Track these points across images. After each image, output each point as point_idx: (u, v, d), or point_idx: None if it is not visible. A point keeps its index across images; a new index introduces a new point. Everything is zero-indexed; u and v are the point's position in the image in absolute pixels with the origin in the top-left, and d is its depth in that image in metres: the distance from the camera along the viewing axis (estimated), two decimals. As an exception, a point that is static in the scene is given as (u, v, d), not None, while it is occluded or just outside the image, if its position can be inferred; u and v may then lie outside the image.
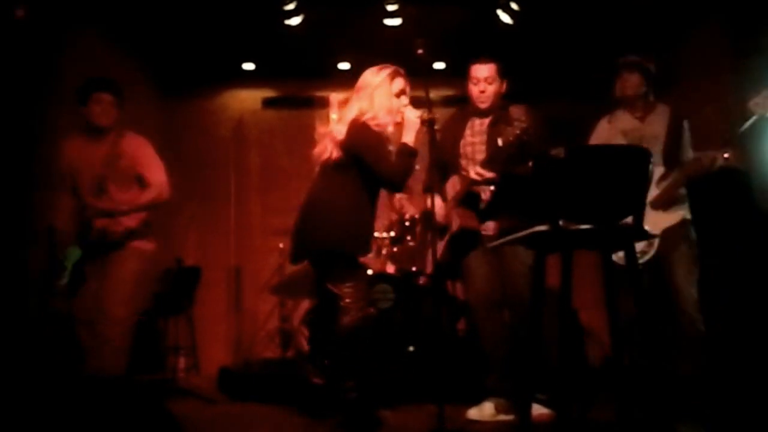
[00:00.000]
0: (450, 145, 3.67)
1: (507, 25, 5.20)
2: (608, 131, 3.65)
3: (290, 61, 5.87)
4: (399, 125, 3.27)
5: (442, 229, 3.67)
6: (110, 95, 3.68)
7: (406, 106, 3.27)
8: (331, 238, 3.22)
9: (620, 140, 3.56)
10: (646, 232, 2.76)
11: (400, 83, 3.29)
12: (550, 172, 2.66)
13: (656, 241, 3.41)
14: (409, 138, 3.21)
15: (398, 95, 3.28)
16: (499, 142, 3.33)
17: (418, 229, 5.17)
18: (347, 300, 3.22)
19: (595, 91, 5.84)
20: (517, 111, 3.37)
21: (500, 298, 3.61)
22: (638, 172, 2.66)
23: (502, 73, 3.65)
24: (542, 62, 5.72)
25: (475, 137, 3.65)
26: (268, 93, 6.68)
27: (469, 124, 3.69)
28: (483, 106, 3.62)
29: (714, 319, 3.56)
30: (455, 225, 3.61)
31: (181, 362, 5.69)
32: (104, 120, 3.66)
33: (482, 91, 3.60)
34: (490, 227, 3.59)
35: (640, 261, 3.35)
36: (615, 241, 2.80)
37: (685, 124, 3.53)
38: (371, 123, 3.20)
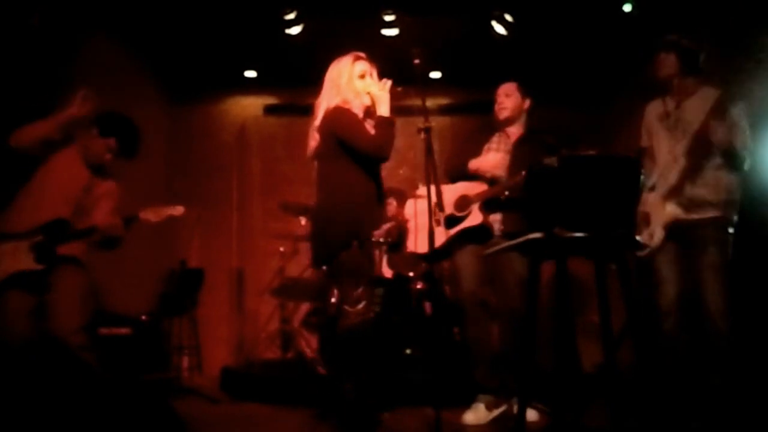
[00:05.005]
0: (471, 152, 3.85)
1: (502, 35, 5.32)
2: (649, 117, 3.57)
3: (291, 69, 5.94)
4: (370, 106, 3.34)
5: (451, 219, 3.79)
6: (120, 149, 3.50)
7: (371, 85, 3.34)
8: (341, 231, 3.24)
9: (656, 126, 3.49)
10: (637, 241, 2.83)
11: (361, 66, 3.37)
12: (543, 180, 2.73)
13: (656, 234, 3.35)
14: (383, 110, 3.27)
15: (362, 77, 3.35)
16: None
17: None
18: (349, 304, 3.27)
19: (590, 99, 6.01)
20: (550, 138, 3.51)
21: (488, 296, 3.73)
22: (629, 181, 2.71)
23: (523, 91, 3.87)
24: (537, 71, 5.82)
25: (500, 146, 3.84)
26: (270, 100, 6.80)
27: (496, 133, 3.89)
28: (501, 115, 3.84)
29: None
30: (476, 220, 3.72)
31: (185, 362, 5.77)
32: (101, 160, 3.51)
33: (501, 103, 3.84)
34: (498, 229, 3.72)
35: (644, 253, 3.37)
36: (607, 248, 2.81)
37: (737, 109, 3.25)
38: (345, 106, 3.31)
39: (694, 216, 3.32)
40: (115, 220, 3.38)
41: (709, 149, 3.27)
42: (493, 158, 3.77)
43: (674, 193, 3.35)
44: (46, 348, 3.26)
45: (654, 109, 3.55)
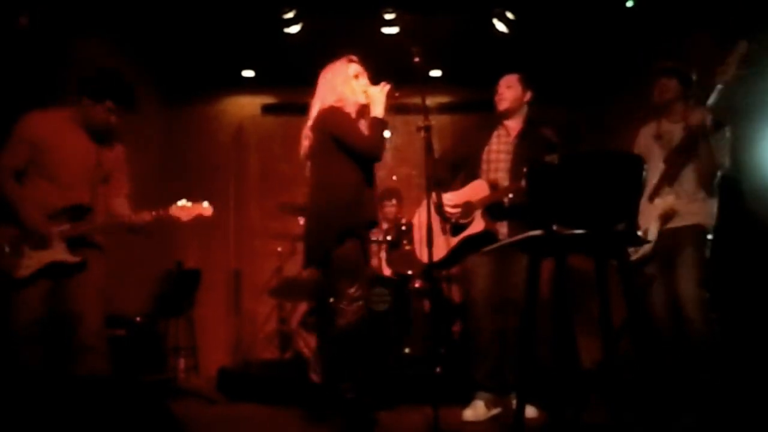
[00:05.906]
0: (474, 148, 3.85)
1: (503, 33, 5.30)
2: (644, 138, 3.69)
3: (289, 68, 5.87)
4: (366, 105, 3.42)
5: (456, 227, 3.76)
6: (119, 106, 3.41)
7: (366, 85, 3.44)
8: (333, 230, 3.29)
9: (653, 145, 3.59)
10: (638, 237, 2.81)
11: (355, 68, 3.46)
12: (544, 178, 2.73)
13: (651, 229, 3.44)
14: (378, 111, 3.35)
15: (356, 77, 3.44)
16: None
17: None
18: (345, 302, 3.32)
19: (590, 97, 6.00)
20: (548, 131, 3.49)
21: (499, 297, 3.71)
22: (631, 179, 2.71)
23: (525, 84, 3.86)
24: (537, 70, 5.80)
25: (500, 146, 3.82)
26: (267, 99, 6.76)
27: (495, 133, 3.86)
28: (501, 106, 3.84)
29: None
30: (479, 227, 3.69)
31: (182, 363, 5.75)
32: (107, 125, 3.41)
33: (501, 94, 3.84)
34: (505, 233, 3.69)
35: (635, 257, 3.44)
36: (607, 246, 2.82)
37: (726, 131, 3.42)
38: (339, 106, 3.38)
39: (677, 224, 3.45)
40: (147, 216, 3.35)
41: (686, 159, 3.45)
42: (473, 186, 3.75)
43: (656, 192, 3.49)
44: (47, 344, 3.28)
45: (649, 131, 3.68)
